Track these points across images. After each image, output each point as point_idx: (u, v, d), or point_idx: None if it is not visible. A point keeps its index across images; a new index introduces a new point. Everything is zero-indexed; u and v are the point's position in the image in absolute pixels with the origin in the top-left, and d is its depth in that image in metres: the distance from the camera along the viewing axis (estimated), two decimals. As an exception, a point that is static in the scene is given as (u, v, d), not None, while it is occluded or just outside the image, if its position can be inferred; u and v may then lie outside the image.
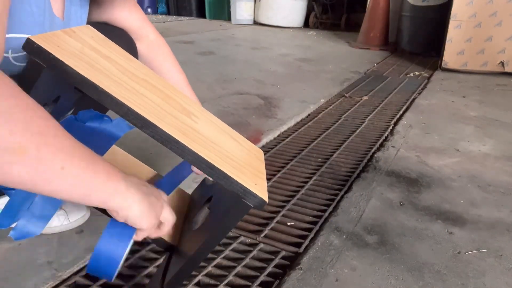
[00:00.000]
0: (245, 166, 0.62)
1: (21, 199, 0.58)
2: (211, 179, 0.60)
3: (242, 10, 6.01)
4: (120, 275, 0.88)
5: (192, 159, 0.55)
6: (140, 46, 0.95)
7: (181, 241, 0.76)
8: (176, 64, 0.97)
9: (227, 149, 0.63)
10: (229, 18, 6.30)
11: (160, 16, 7.23)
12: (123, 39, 0.90)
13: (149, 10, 7.62)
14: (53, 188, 0.44)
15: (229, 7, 6.22)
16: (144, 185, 0.56)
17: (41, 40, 0.51)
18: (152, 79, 0.66)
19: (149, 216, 0.55)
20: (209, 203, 0.80)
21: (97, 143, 0.79)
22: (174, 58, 0.97)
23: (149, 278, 0.87)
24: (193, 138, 0.58)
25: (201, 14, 7.02)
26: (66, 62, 0.51)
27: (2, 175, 0.40)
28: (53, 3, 0.65)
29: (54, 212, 0.60)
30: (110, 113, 0.70)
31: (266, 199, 0.58)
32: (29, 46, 0.51)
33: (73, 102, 0.80)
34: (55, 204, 0.62)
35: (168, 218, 0.60)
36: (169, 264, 0.73)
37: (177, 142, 0.54)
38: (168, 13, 7.51)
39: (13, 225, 0.57)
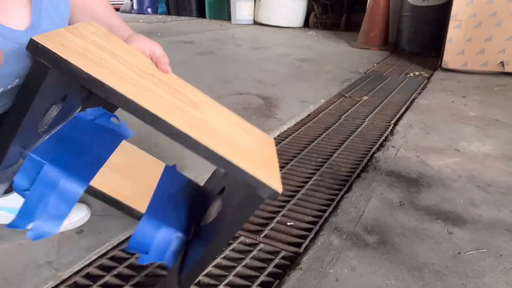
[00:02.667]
0: (257, 157, 0.62)
1: (36, 200, 0.58)
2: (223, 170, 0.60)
3: (242, 10, 6.02)
4: (119, 275, 0.88)
5: (204, 153, 0.55)
6: None
7: (195, 235, 0.75)
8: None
9: (238, 140, 0.63)
10: (229, 18, 6.30)
11: (160, 16, 7.23)
12: None
13: (149, 10, 7.62)
14: None
15: (229, 7, 6.23)
16: None
17: (44, 40, 0.50)
18: (158, 73, 0.66)
19: None
20: (222, 195, 0.79)
21: (105, 141, 0.79)
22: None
23: (149, 278, 0.87)
24: (203, 132, 0.57)
25: (201, 14, 7.02)
26: (71, 61, 0.50)
27: None
28: (7, 17, 0.59)
29: (69, 210, 0.60)
30: (119, 110, 0.70)
31: (280, 190, 0.57)
32: (33, 46, 0.50)
33: (80, 100, 0.80)
34: (70, 202, 0.61)
35: None
36: (185, 258, 0.72)
37: (188, 137, 0.54)
38: (168, 13, 7.52)
39: (29, 226, 0.57)
